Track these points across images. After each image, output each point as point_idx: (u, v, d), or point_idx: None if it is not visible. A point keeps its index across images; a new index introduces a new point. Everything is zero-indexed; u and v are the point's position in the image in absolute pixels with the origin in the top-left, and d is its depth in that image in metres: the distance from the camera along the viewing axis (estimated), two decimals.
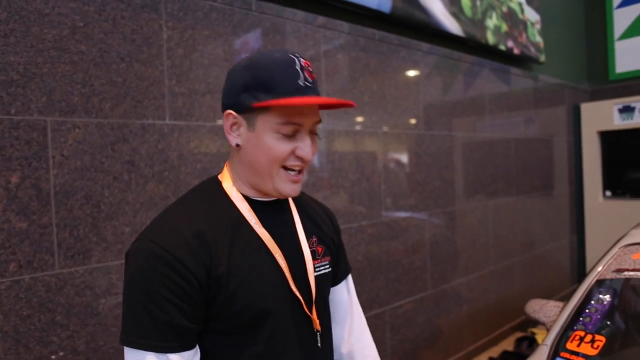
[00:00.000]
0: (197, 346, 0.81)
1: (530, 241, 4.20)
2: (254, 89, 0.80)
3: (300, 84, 0.80)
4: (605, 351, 1.51)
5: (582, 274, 4.97)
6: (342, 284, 1.09)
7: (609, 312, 1.68)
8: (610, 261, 1.85)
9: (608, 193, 4.80)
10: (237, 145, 0.86)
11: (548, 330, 1.76)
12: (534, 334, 3.05)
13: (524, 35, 3.84)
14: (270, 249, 0.86)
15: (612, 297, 1.72)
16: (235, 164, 0.89)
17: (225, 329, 0.81)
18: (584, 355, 1.51)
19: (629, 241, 1.92)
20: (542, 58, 4.09)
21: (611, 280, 1.76)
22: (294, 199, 0.99)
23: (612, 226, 4.64)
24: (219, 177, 0.92)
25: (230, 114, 0.84)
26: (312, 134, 0.86)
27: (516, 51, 3.73)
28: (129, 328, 0.76)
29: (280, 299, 0.86)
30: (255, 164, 0.84)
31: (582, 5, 5.17)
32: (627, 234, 2.06)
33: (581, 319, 1.68)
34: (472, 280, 3.45)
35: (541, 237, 4.37)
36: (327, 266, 0.98)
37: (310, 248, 0.94)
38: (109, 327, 1.61)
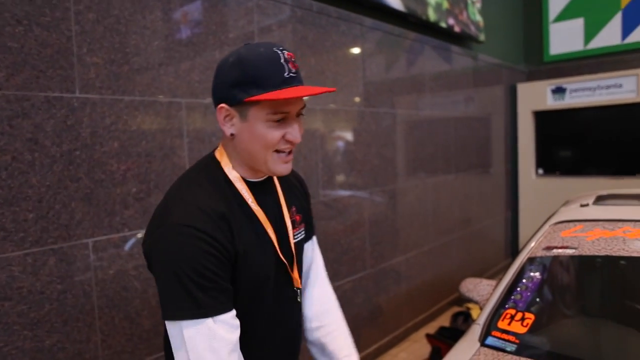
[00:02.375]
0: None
1: (467, 218, 4.30)
2: (245, 84, 0.88)
3: (286, 75, 0.89)
4: (534, 328, 1.52)
5: (515, 250, 5.18)
6: (309, 243, 1.22)
7: (539, 289, 1.71)
8: (540, 239, 1.88)
9: (540, 171, 4.99)
10: (232, 134, 0.95)
11: (481, 309, 1.77)
12: (469, 309, 3.13)
13: (464, 14, 3.84)
14: (264, 224, 1.00)
15: (542, 275, 1.75)
16: (230, 150, 0.99)
17: (237, 293, 0.94)
18: (513, 334, 1.52)
19: (558, 219, 1.96)
20: (482, 37, 4.12)
21: (541, 257, 1.79)
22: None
23: (544, 203, 4.84)
24: (217, 156, 1.01)
25: (223, 107, 0.92)
26: (298, 116, 0.96)
27: (457, 29, 3.72)
28: (180, 303, 0.85)
29: (273, 265, 1.01)
30: (250, 150, 0.94)
31: None
32: (556, 212, 2.10)
33: (512, 297, 1.69)
34: (411, 258, 3.48)
35: (478, 214, 4.49)
36: (303, 232, 1.14)
37: (290, 218, 1.09)
38: (11, 325, 1.44)
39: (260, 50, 0.89)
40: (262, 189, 1.03)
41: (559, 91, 4.67)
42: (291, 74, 0.90)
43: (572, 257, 1.72)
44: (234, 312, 0.91)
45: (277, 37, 2.35)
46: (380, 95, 3.12)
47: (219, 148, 1.02)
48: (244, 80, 0.88)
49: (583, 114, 4.65)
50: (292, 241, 1.07)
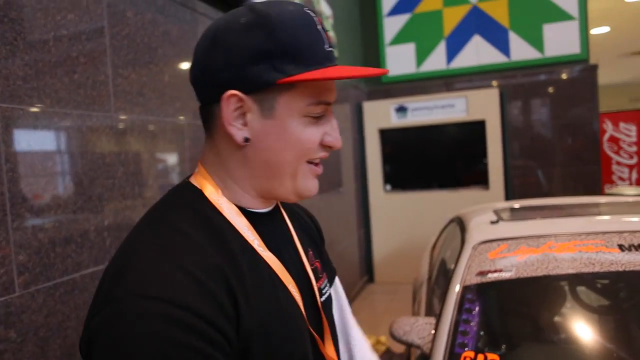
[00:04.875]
0: None
1: (330, 241, 4.12)
2: (277, 57, 0.59)
3: (326, 48, 0.64)
4: None
5: (370, 267, 5.22)
6: (331, 291, 0.89)
7: (486, 322, 1.51)
8: (469, 263, 1.70)
9: (388, 187, 5.14)
10: (246, 139, 0.63)
11: (426, 354, 1.50)
12: None
13: None
14: (282, 279, 0.66)
15: (484, 305, 1.56)
16: (232, 167, 0.66)
17: None
18: None
19: (478, 239, 1.82)
20: (336, 53, 4.04)
21: (477, 285, 1.60)
22: (281, 204, 0.79)
23: (394, 219, 4.98)
24: (195, 183, 0.68)
25: (234, 95, 0.60)
26: None
27: None
28: None
29: (304, 339, 0.67)
30: (276, 163, 0.64)
31: (357, 9, 5.42)
32: (468, 231, 1.98)
33: (461, 336, 1.46)
34: None
35: (337, 235, 4.35)
36: (327, 287, 0.82)
37: (310, 266, 0.76)
38: None
39: (289, 8, 0.62)
40: (267, 221, 0.70)
41: (401, 110, 4.88)
42: (329, 47, 0.64)
43: (510, 280, 1.57)
44: None
45: (132, 26, 1.78)
46: None
47: (197, 171, 0.69)
48: (276, 51, 0.59)
49: (423, 131, 4.95)
50: (319, 300, 0.74)
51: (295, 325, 0.66)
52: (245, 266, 0.61)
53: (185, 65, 2.09)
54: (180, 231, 0.59)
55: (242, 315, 0.56)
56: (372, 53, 5.41)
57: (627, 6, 5.86)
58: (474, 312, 1.54)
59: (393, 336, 1.61)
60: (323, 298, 0.77)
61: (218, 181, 0.67)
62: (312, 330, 0.70)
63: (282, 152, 0.64)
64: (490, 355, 1.35)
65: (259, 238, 0.66)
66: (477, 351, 1.38)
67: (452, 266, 1.79)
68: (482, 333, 1.49)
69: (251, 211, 0.68)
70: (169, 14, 1.99)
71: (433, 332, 1.55)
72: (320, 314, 0.74)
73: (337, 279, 0.95)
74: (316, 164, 0.69)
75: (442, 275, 2.01)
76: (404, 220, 4.90)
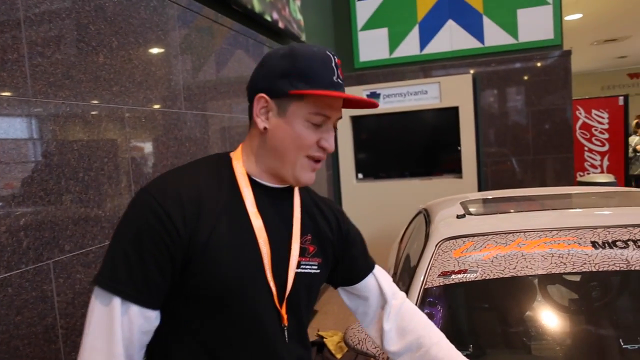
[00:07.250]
0: (159, 312, 0.84)
1: None
2: (293, 77, 0.86)
3: (334, 79, 0.87)
4: None
5: None
6: (369, 278, 1.09)
7: (448, 327, 1.38)
8: (432, 262, 1.57)
9: (360, 175, 5.00)
10: (265, 128, 0.89)
11: None
12: (322, 337, 2.75)
13: (287, 9, 3.49)
14: (256, 232, 0.88)
15: (445, 308, 1.43)
16: (255, 147, 0.92)
17: (195, 296, 0.84)
18: None
19: (443, 235, 1.68)
20: (304, 37, 3.85)
21: (439, 287, 1.47)
22: (301, 195, 1.00)
23: (366, 207, 4.85)
24: (231, 154, 0.96)
25: (263, 97, 0.88)
26: (334, 127, 0.93)
27: (281, 25, 3.35)
28: (106, 269, 0.80)
29: (251, 282, 0.88)
30: (281, 149, 0.88)
31: None
32: (432, 225, 1.84)
33: None
34: None
35: None
36: (315, 267, 0.99)
37: (301, 245, 0.95)
38: None
39: (314, 49, 0.89)
40: (272, 196, 0.94)
41: (373, 96, 4.72)
42: (339, 80, 0.88)
43: (475, 282, 1.44)
44: (151, 314, 0.82)
45: (61, 2, 1.57)
46: (203, 95, 2.52)
47: (237, 148, 0.97)
48: (293, 73, 0.86)
49: (396, 118, 4.81)
50: (293, 269, 0.93)
51: (243, 264, 0.85)
52: (228, 210, 0.86)
53: (124, 45, 1.88)
54: (194, 174, 0.89)
55: (197, 229, 0.81)
56: (344, 38, 5.23)
57: None
58: (435, 317, 1.41)
59: (347, 344, 1.47)
60: (301, 270, 0.94)
61: (244, 154, 0.93)
62: (272, 283, 0.88)
63: (285, 142, 0.87)
64: None
65: (253, 199, 0.89)
66: None
67: (416, 264, 1.66)
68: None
69: (258, 181, 0.92)
70: None
71: None
72: (286, 278, 0.91)
73: (375, 270, 1.11)
74: (315, 161, 0.90)
75: (407, 272, 1.88)
76: (375, 210, 4.77)
